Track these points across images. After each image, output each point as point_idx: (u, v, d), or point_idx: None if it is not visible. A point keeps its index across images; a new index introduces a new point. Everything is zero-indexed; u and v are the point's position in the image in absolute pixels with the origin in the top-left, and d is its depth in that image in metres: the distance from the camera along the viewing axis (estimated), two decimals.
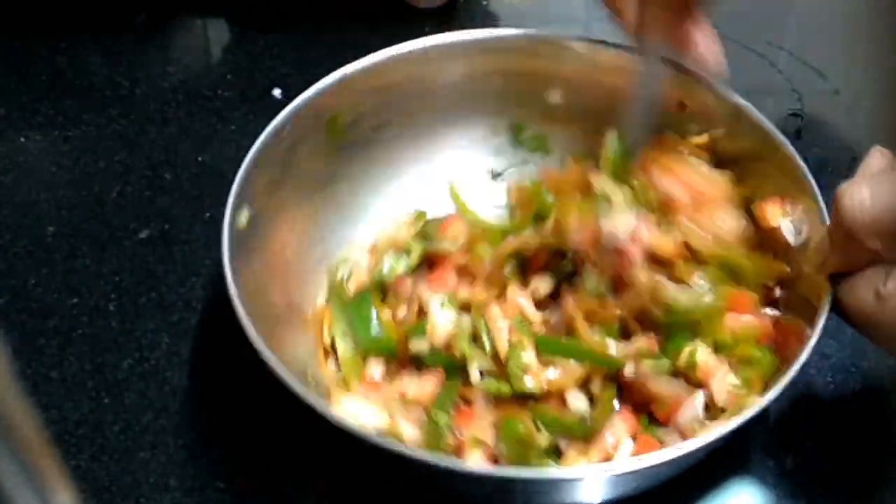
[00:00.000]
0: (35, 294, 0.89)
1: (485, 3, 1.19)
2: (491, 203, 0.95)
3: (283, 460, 0.79)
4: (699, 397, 0.76)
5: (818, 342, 0.70)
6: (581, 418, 0.76)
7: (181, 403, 0.82)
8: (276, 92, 1.07)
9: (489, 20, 1.17)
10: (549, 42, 0.91)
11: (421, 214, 0.92)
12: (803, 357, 0.69)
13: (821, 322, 0.71)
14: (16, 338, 0.85)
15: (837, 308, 0.71)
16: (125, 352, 0.85)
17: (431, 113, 0.93)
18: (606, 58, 0.89)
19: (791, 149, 0.81)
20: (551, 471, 0.74)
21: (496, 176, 0.96)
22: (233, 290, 0.71)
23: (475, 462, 0.73)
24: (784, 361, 0.76)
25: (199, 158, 1.01)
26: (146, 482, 0.77)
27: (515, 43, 0.91)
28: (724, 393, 0.75)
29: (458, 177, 0.95)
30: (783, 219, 0.80)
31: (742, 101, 0.84)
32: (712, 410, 0.76)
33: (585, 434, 0.75)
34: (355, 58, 0.87)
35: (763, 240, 0.81)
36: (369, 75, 0.87)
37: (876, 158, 0.72)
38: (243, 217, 0.78)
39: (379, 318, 0.82)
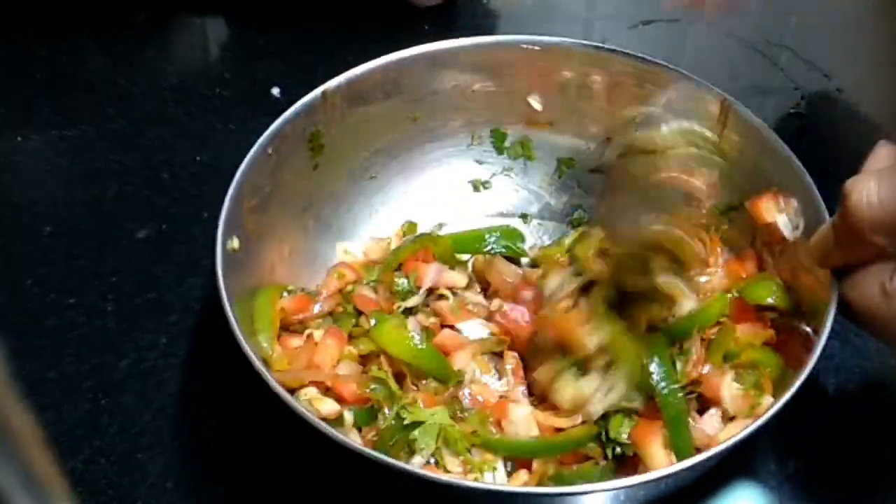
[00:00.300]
0: (32, 294, 0.89)
1: (485, 1, 1.18)
2: (477, 213, 0.95)
3: (280, 461, 0.78)
4: (713, 419, 0.76)
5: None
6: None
7: (179, 405, 0.82)
8: (276, 91, 1.06)
9: (489, 19, 1.17)
10: (529, 47, 0.90)
11: (412, 226, 0.92)
12: (811, 362, 0.69)
13: (827, 326, 0.70)
14: (12, 338, 0.85)
15: (841, 304, 0.71)
16: (123, 352, 0.85)
17: (413, 123, 0.92)
18: (590, 61, 0.89)
19: (782, 143, 0.81)
20: (560, 487, 0.73)
21: (482, 185, 0.96)
22: (231, 316, 0.71)
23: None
24: (787, 361, 0.76)
25: (198, 158, 1.00)
26: (144, 484, 0.77)
27: (492, 49, 0.91)
28: (733, 401, 0.75)
29: (443, 188, 0.95)
30: (779, 214, 0.80)
31: (731, 99, 0.84)
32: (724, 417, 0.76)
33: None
34: (355, 57, 0.87)
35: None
36: (348, 90, 0.86)
37: (882, 152, 0.71)
38: (234, 242, 0.77)
39: None
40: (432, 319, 0.83)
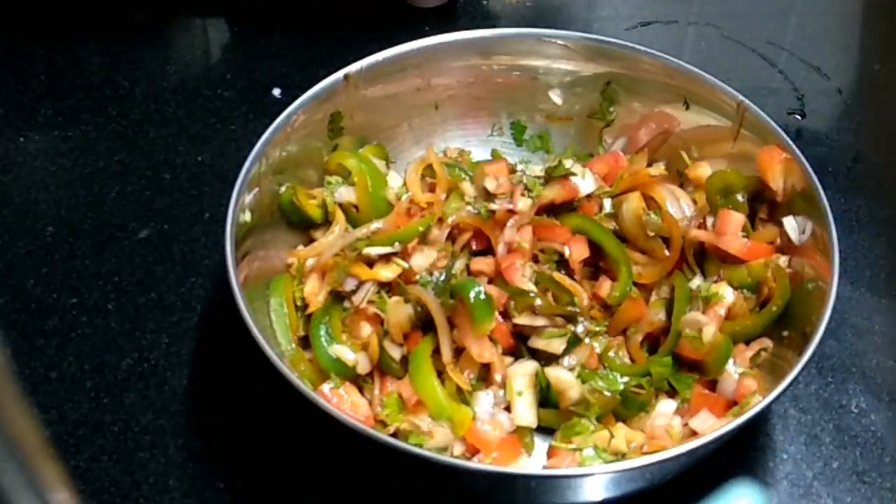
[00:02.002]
0: (34, 294, 0.89)
1: (485, 2, 1.18)
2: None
3: (282, 460, 0.78)
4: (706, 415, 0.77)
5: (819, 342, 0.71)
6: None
7: (181, 404, 0.82)
8: (276, 91, 1.06)
9: (489, 19, 1.17)
10: (549, 41, 0.91)
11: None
12: (804, 359, 0.70)
13: (822, 326, 0.71)
14: (15, 338, 0.85)
15: None
16: (124, 352, 0.85)
17: (434, 111, 0.93)
18: (613, 58, 0.90)
19: (792, 144, 0.82)
20: (553, 469, 0.74)
21: None
22: (234, 282, 0.72)
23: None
24: (783, 361, 0.77)
25: (199, 158, 1.01)
26: (146, 482, 0.77)
27: (516, 42, 0.91)
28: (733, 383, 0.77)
29: None
30: (786, 217, 0.81)
31: (744, 100, 0.85)
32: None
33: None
34: (355, 57, 0.87)
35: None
36: (371, 75, 0.87)
37: None
38: (246, 214, 0.79)
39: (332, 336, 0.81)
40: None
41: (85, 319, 0.87)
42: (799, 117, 1.05)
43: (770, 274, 0.80)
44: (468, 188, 0.90)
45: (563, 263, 0.84)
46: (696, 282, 0.83)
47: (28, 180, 0.99)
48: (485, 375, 0.79)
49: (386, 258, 0.83)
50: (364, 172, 0.87)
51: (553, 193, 0.86)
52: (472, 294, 0.76)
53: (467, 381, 0.78)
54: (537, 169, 0.93)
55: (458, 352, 0.78)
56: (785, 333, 0.78)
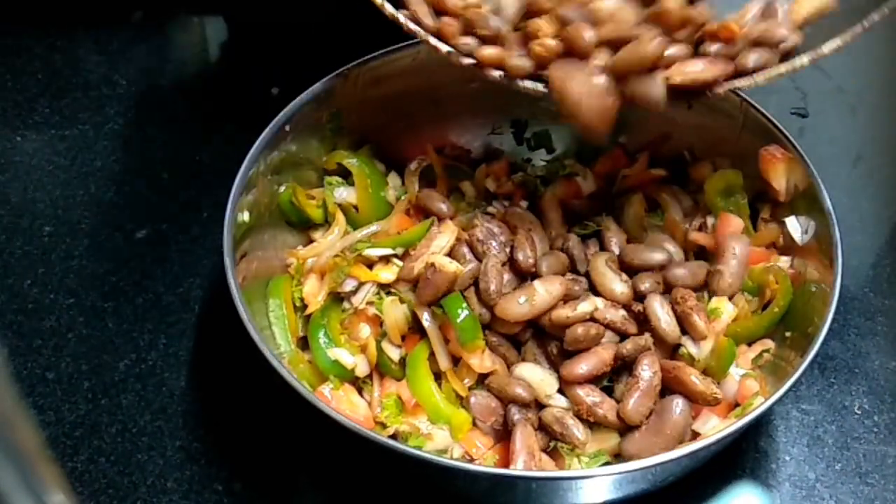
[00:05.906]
0: (31, 294, 0.88)
1: None
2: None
3: (281, 462, 0.78)
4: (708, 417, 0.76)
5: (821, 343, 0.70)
6: None
7: (179, 405, 0.82)
8: (275, 90, 1.06)
9: None
10: None
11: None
12: (807, 360, 0.69)
13: (824, 327, 0.71)
14: (11, 338, 0.85)
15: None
16: (122, 353, 0.85)
17: (435, 107, 0.92)
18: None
19: (794, 143, 0.81)
20: (554, 472, 0.74)
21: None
22: (232, 283, 0.71)
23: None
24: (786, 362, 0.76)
25: (197, 157, 1.00)
26: (144, 484, 0.77)
27: None
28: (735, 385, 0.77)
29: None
30: (789, 217, 0.81)
31: (747, 99, 0.84)
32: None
33: None
34: (354, 56, 0.87)
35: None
36: (370, 73, 0.87)
37: None
38: (245, 214, 0.78)
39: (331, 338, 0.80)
40: None
41: (82, 320, 0.87)
42: (802, 116, 1.05)
43: (771, 277, 0.80)
44: (468, 188, 0.89)
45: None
46: None
47: (25, 180, 0.98)
48: (485, 378, 0.78)
49: (386, 259, 0.82)
50: (363, 172, 0.86)
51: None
52: (458, 319, 0.75)
53: (465, 387, 0.77)
54: (538, 168, 0.92)
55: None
56: (787, 334, 0.78)
